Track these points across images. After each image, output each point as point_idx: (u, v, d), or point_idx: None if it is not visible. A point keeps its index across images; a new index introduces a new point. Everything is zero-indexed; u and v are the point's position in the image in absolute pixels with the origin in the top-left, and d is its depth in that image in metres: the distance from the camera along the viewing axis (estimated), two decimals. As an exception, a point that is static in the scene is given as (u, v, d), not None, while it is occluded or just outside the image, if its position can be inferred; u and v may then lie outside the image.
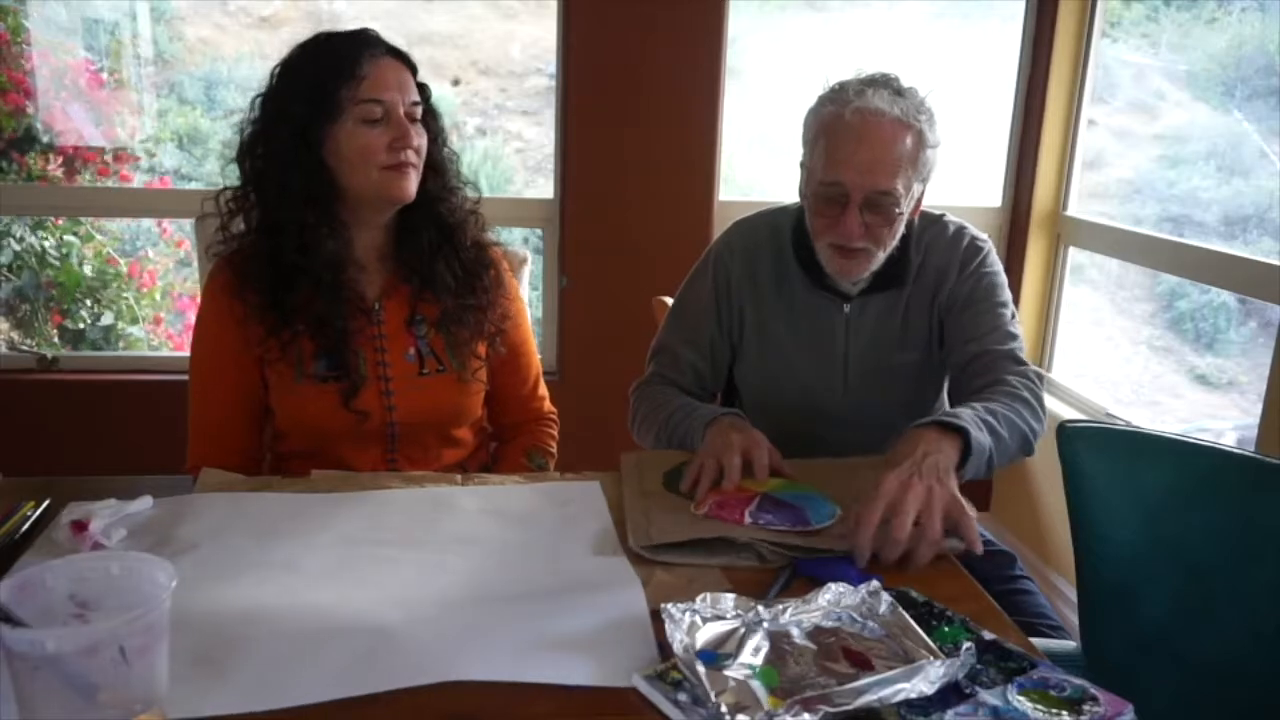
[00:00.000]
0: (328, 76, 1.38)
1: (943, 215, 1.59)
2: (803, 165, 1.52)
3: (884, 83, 1.44)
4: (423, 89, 1.48)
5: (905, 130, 1.40)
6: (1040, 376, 1.45)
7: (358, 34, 1.43)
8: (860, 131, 1.40)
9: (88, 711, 0.71)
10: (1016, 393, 1.38)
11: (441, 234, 1.51)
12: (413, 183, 1.44)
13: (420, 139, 1.45)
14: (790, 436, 1.53)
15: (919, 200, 1.50)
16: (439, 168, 1.51)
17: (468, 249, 1.54)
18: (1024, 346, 1.50)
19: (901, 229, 1.48)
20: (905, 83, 1.46)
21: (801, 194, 1.53)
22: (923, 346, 1.57)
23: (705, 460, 1.31)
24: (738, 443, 1.32)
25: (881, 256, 1.48)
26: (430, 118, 1.49)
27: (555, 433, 1.70)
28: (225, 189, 1.46)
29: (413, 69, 1.46)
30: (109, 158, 3.56)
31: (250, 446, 1.53)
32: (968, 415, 1.25)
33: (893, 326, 1.56)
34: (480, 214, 1.58)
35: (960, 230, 1.58)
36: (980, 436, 1.23)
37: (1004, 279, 1.56)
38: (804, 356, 1.58)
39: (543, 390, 1.70)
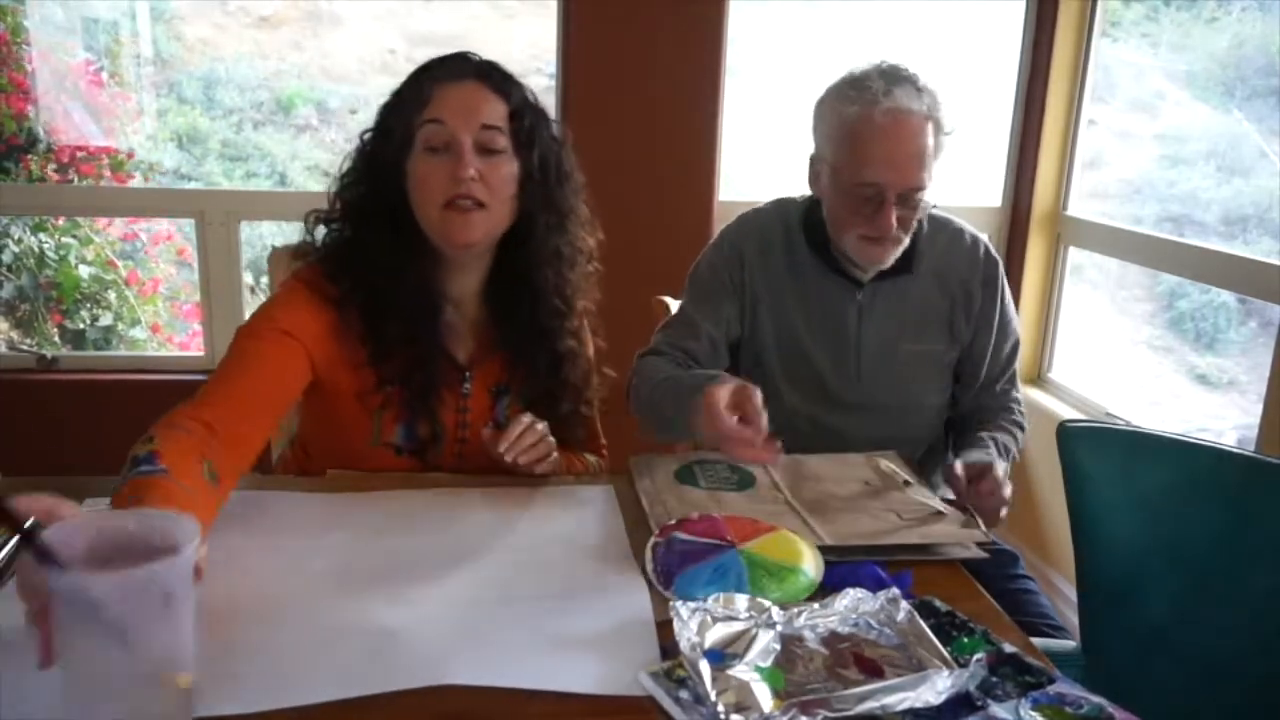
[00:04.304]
0: (402, 101, 1.31)
1: (938, 208, 1.60)
2: (816, 159, 1.53)
3: (906, 79, 1.46)
4: (519, 115, 1.32)
5: (928, 124, 1.45)
6: (1020, 398, 1.69)
7: (447, 57, 1.34)
8: (894, 132, 1.43)
9: (123, 662, 0.72)
10: (1013, 418, 1.64)
11: (543, 310, 1.41)
12: (475, 225, 1.29)
13: (501, 169, 1.30)
14: (802, 420, 1.56)
15: None
16: (551, 204, 1.38)
17: (561, 342, 1.45)
18: (1020, 355, 1.67)
19: None
20: (910, 70, 1.48)
21: (815, 185, 1.55)
22: (932, 340, 1.59)
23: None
24: (724, 418, 1.21)
25: (906, 241, 1.52)
26: (524, 147, 1.32)
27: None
28: (335, 201, 1.37)
29: (507, 93, 1.32)
30: (108, 158, 3.56)
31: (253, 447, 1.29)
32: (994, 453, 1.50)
33: (904, 316, 1.58)
34: (581, 317, 1.50)
35: (964, 230, 1.63)
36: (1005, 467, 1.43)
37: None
38: (818, 342, 1.59)
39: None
